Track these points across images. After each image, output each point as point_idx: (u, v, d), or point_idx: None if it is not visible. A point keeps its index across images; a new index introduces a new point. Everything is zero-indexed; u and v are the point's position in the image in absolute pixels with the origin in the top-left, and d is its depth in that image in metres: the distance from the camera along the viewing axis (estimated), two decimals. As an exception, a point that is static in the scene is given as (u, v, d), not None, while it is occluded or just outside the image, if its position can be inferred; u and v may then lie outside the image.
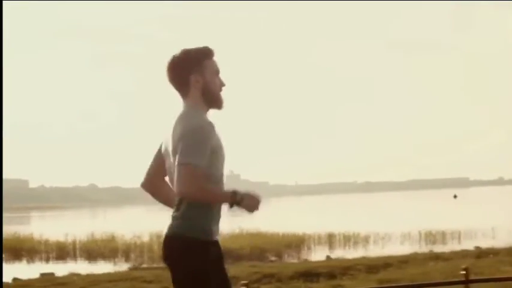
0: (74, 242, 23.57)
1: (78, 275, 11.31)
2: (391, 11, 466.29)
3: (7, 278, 11.98)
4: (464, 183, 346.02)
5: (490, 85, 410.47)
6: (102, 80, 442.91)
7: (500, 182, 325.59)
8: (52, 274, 11.82)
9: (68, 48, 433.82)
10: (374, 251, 18.74)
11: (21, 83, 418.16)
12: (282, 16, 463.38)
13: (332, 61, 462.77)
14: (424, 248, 18.45)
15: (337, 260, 12.81)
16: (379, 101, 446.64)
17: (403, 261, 10.77)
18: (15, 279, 12.11)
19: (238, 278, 8.03)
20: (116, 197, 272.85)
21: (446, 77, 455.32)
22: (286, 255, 19.35)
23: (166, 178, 3.37)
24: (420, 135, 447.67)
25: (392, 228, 25.62)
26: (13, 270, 15.76)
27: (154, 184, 3.41)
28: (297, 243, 21.07)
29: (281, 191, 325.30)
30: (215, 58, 3.32)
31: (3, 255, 19.74)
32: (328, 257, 16.10)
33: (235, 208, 3.13)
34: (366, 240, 23.46)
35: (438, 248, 17.89)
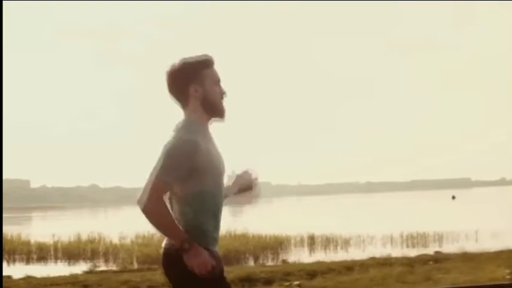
0: (55, 243, 23.50)
1: (33, 278, 11.22)
2: (391, 11, 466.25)
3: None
4: (466, 183, 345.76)
5: (492, 85, 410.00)
6: (104, 80, 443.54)
7: (502, 182, 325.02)
8: (9, 277, 11.72)
9: (69, 48, 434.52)
10: (350, 254, 18.67)
11: (22, 83, 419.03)
12: (283, 16, 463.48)
13: (333, 61, 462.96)
14: (397, 252, 18.32)
15: (292, 264, 12.65)
16: (381, 101, 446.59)
17: (349, 267, 10.65)
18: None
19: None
20: (117, 197, 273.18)
21: (447, 76, 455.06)
22: (261, 258, 19.25)
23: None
24: (422, 136, 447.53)
25: (377, 230, 25.52)
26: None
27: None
28: (276, 245, 20.91)
29: (283, 191, 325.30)
30: (215, 67, 3.23)
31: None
32: (284, 261, 16.04)
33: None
34: (347, 242, 23.41)
35: (410, 252, 17.79)
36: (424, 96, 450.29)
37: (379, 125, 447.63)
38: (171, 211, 3.08)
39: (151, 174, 3.03)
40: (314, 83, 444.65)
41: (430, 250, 18.54)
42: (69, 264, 20.49)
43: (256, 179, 3.50)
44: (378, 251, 19.63)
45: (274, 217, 50.11)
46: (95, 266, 17.96)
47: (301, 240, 23.35)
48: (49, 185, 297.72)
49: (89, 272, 11.82)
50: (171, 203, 3.14)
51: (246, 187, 3.48)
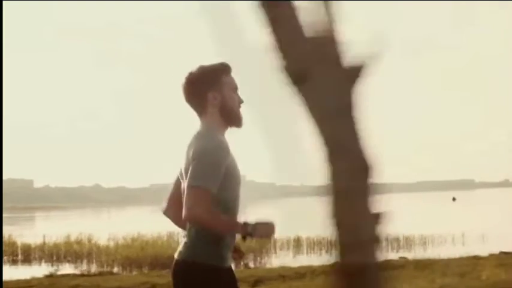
0: (42, 245, 23.45)
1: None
2: (392, 11, 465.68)
3: None
4: (469, 185, 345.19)
5: (494, 85, 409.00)
6: (106, 80, 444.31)
7: (505, 184, 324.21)
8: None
9: (71, 48, 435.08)
10: (323, 258, 18.60)
11: (25, 83, 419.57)
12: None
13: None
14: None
15: (245, 270, 12.44)
16: (385, 102, 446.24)
17: (302, 273, 10.58)
18: None
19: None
20: (120, 198, 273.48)
21: (449, 76, 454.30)
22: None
23: None
24: (426, 137, 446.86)
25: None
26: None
27: (175, 211, 3.18)
28: (259, 248, 20.75)
29: (287, 191, 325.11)
30: (233, 74, 3.17)
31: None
32: (246, 265, 15.95)
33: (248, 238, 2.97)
34: (331, 245, 23.29)
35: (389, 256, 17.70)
36: (427, 97, 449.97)
37: (383, 126, 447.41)
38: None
39: (190, 184, 2.89)
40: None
41: (399, 255, 18.42)
42: (52, 265, 20.44)
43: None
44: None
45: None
46: (76, 268, 17.93)
47: (288, 242, 23.28)
48: (52, 185, 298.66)
49: (49, 276, 11.78)
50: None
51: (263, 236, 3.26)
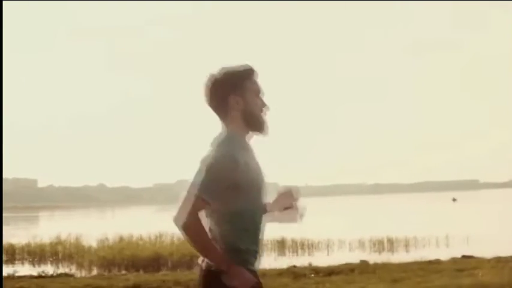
0: (26, 245, 23.50)
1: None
2: (397, 12, 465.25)
3: None
4: (474, 185, 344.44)
5: (499, 85, 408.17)
6: (112, 80, 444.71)
7: (510, 184, 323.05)
8: None
9: (78, 49, 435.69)
10: (303, 260, 18.56)
11: (32, 83, 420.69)
12: (294, 16, 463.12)
13: (341, 62, 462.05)
14: (344, 258, 18.16)
15: (192, 273, 12.45)
16: (389, 102, 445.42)
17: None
18: None
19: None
20: (124, 197, 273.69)
21: (455, 78, 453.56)
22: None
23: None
24: (430, 137, 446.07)
25: (353, 234, 25.40)
26: None
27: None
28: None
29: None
30: (256, 78, 3.10)
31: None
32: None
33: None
34: (315, 247, 23.30)
35: (353, 257, 17.70)
36: (433, 98, 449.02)
37: (388, 126, 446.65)
38: (208, 231, 2.97)
39: (189, 190, 2.92)
40: (322, 84, 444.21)
41: (374, 257, 18.39)
42: (34, 266, 20.50)
43: (297, 198, 3.32)
44: (336, 256, 19.59)
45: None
46: (58, 268, 17.89)
47: (272, 244, 23.27)
48: (56, 185, 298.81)
49: (7, 278, 11.80)
50: (209, 221, 3.00)
51: (287, 206, 3.31)
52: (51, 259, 21.90)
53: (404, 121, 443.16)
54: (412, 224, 33.84)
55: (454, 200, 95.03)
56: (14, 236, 28.95)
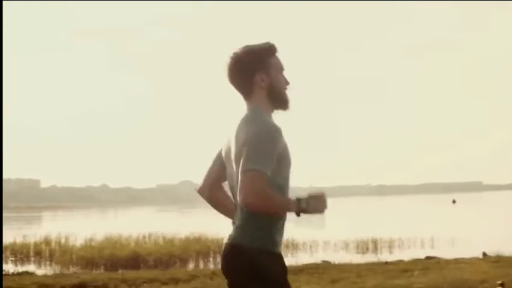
0: (11, 244, 23.51)
1: None
2: (401, 14, 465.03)
3: None
4: (477, 187, 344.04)
5: (504, 85, 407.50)
6: (115, 80, 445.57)
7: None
8: None
9: (81, 47, 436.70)
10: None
11: (34, 83, 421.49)
12: (294, 16, 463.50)
13: (346, 63, 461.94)
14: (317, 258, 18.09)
15: (143, 272, 12.37)
16: (394, 103, 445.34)
17: (195, 275, 10.55)
18: None
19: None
20: (127, 198, 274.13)
21: (457, 78, 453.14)
22: (189, 263, 19.03)
23: (226, 184, 3.12)
24: (434, 138, 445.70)
25: (338, 235, 25.36)
26: None
27: (211, 191, 3.14)
28: (208, 250, 20.63)
29: (295, 193, 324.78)
30: (278, 55, 3.05)
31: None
32: (167, 267, 15.98)
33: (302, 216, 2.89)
34: (296, 247, 23.24)
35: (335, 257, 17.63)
36: (439, 99, 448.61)
37: (392, 127, 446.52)
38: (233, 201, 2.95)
39: (245, 168, 2.77)
40: (328, 85, 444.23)
41: (357, 258, 18.35)
42: (15, 265, 20.50)
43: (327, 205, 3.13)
44: (318, 256, 19.54)
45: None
46: (37, 268, 17.88)
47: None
48: (59, 185, 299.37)
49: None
50: (233, 192, 2.98)
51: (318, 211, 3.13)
52: (33, 258, 21.89)
53: (409, 122, 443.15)
54: (403, 225, 33.82)
55: (453, 202, 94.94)
56: (7, 236, 28.95)
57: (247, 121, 2.92)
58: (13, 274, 12.79)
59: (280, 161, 2.87)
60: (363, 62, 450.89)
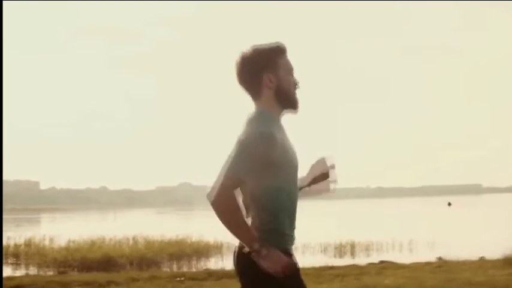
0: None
1: None
2: (403, 16, 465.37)
3: None
4: (477, 189, 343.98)
5: (506, 89, 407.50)
6: (115, 82, 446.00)
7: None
8: None
9: (80, 49, 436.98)
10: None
11: (33, 84, 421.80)
12: (295, 17, 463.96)
13: (345, 64, 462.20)
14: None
15: (83, 275, 12.39)
16: (394, 105, 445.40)
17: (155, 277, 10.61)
18: None
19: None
20: (126, 200, 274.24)
21: (458, 82, 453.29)
22: (166, 265, 19.01)
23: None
24: (435, 141, 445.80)
25: (324, 238, 25.34)
26: None
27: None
28: (202, 252, 20.57)
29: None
30: (288, 55, 3.01)
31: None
32: (148, 269, 16.00)
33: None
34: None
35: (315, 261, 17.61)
36: (438, 102, 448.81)
37: (392, 129, 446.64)
38: (244, 211, 2.87)
39: (223, 167, 2.80)
40: (327, 87, 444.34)
41: (332, 261, 18.32)
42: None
43: (332, 165, 3.21)
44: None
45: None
46: (15, 270, 17.88)
47: (228, 247, 23.17)
48: (58, 187, 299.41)
49: None
50: (244, 201, 2.91)
51: (320, 176, 3.19)
52: (10, 260, 21.91)
53: (410, 125, 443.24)
54: (389, 228, 33.81)
55: (449, 204, 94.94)
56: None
57: (247, 122, 2.91)
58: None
59: (278, 166, 2.84)
60: (362, 64, 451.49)
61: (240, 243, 2.87)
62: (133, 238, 24.34)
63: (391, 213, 72.39)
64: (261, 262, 2.75)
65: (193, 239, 23.02)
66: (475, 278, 8.72)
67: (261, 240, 2.77)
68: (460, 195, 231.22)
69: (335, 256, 22.08)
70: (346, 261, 18.06)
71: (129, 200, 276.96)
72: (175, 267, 18.82)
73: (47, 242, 24.99)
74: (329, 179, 3.19)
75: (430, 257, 16.54)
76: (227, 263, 19.27)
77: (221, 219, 2.77)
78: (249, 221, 2.86)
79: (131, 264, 17.96)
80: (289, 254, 2.87)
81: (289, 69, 3.01)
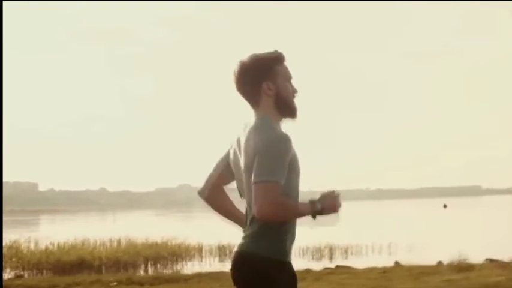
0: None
1: None
2: (403, 17, 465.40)
3: None
4: (476, 191, 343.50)
5: (506, 91, 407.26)
6: (114, 83, 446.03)
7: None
8: None
9: (78, 50, 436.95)
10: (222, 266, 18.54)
11: (32, 85, 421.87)
12: (293, 21, 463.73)
13: (345, 65, 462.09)
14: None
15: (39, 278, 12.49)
16: (393, 108, 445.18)
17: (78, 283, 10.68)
18: None
19: None
20: (125, 201, 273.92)
21: (458, 83, 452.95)
22: (138, 268, 19.07)
23: (228, 187, 3.16)
24: (434, 142, 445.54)
25: (305, 242, 25.37)
26: None
27: (213, 193, 3.16)
28: (158, 256, 20.61)
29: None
30: (286, 63, 3.06)
31: None
32: (95, 273, 16.14)
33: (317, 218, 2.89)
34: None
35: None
36: (437, 104, 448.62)
37: (391, 130, 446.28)
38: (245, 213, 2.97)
39: (256, 177, 2.80)
40: (326, 90, 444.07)
41: (310, 264, 18.43)
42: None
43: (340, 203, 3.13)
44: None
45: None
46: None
47: (210, 249, 23.23)
48: (57, 189, 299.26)
49: None
50: (248, 205, 2.96)
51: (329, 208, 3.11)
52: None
53: (409, 126, 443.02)
54: (376, 231, 33.87)
55: (445, 206, 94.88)
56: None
57: (256, 130, 2.92)
58: None
59: (290, 169, 2.88)
60: (362, 68, 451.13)
61: (239, 247, 2.93)
62: (118, 241, 24.35)
63: (383, 215, 72.40)
64: (330, 210, 2.88)
65: (174, 242, 23.03)
66: (399, 285, 8.81)
67: (313, 203, 2.86)
68: (460, 196, 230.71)
69: (313, 259, 22.17)
70: (311, 265, 18.11)
71: (128, 201, 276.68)
72: (150, 270, 18.92)
73: (32, 245, 25.06)
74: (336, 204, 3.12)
75: (390, 261, 16.62)
76: (200, 266, 19.39)
77: (285, 220, 2.88)
78: (256, 222, 2.88)
79: (106, 267, 18.08)
80: (290, 265, 2.94)
81: (288, 77, 3.05)
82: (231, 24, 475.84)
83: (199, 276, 11.86)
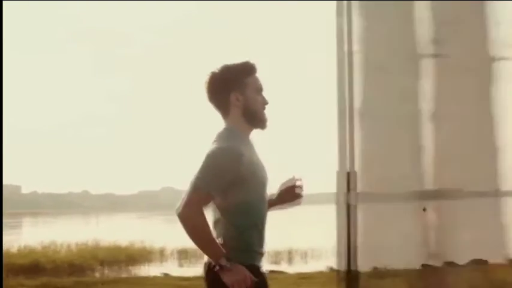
0: None
1: None
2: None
3: None
4: (458, 194, 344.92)
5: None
6: (99, 86, 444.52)
7: (493, 194, 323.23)
8: None
9: (66, 52, 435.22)
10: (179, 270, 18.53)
11: (15, 88, 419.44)
12: (289, 20, 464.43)
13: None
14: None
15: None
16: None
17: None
18: None
19: None
20: (108, 204, 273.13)
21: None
22: (91, 271, 19.10)
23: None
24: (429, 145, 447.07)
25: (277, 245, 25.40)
26: None
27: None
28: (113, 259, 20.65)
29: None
30: (257, 74, 3.09)
31: None
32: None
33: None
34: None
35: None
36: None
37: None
38: (212, 227, 2.92)
39: (191, 182, 2.87)
40: (320, 89, 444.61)
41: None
42: None
43: (299, 179, 3.26)
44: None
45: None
46: None
47: (172, 253, 23.15)
48: (40, 191, 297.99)
49: None
50: (213, 216, 2.98)
51: (287, 190, 3.26)
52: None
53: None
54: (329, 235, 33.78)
55: (424, 209, 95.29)
56: None
57: (216, 139, 2.99)
58: None
59: (246, 181, 2.91)
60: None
61: (208, 258, 2.92)
62: (84, 244, 24.28)
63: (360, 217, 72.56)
64: (223, 277, 2.80)
65: (137, 246, 22.94)
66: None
67: (227, 256, 2.82)
68: (443, 199, 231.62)
69: (274, 263, 22.12)
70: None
71: (111, 204, 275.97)
72: (106, 273, 18.88)
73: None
74: (295, 190, 3.26)
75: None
76: (149, 270, 19.34)
77: (188, 234, 2.82)
78: (216, 236, 2.91)
79: (58, 270, 18.02)
80: (256, 270, 2.93)
81: (257, 89, 3.08)
82: (220, 29, 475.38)
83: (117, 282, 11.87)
